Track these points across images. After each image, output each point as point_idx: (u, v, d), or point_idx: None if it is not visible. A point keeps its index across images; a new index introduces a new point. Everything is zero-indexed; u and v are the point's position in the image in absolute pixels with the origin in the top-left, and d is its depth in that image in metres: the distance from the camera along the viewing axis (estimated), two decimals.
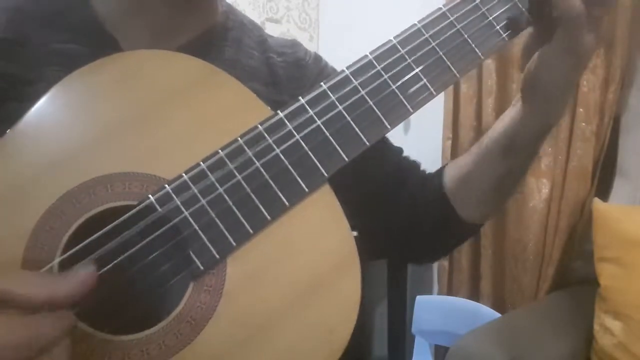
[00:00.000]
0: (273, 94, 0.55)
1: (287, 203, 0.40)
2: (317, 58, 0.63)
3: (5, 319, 0.30)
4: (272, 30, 1.89)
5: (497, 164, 0.54)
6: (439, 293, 1.78)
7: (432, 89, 0.44)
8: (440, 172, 0.61)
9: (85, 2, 0.50)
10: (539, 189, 1.51)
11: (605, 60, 1.41)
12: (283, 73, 0.58)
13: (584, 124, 1.43)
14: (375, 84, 0.43)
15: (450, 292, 1.73)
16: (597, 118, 1.44)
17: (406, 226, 0.60)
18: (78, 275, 0.33)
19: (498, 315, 1.43)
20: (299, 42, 0.64)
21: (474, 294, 1.68)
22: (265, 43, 0.60)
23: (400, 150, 0.64)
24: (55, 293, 0.32)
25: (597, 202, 1.36)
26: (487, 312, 1.48)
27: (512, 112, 0.52)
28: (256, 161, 0.40)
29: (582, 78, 1.41)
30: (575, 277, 1.47)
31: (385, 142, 0.63)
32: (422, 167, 0.64)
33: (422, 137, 1.73)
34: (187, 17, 0.53)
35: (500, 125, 0.53)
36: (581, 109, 1.43)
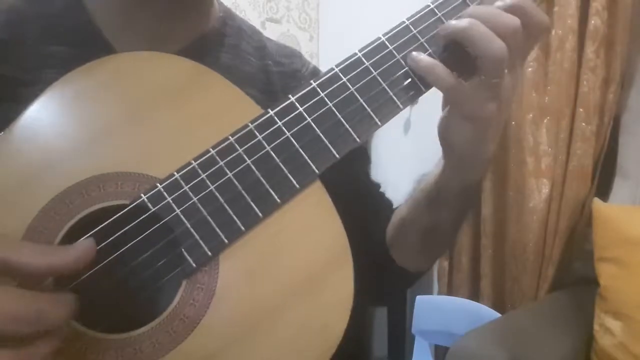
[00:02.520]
0: (268, 101, 0.55)
1: (278, 200, 0.40)
2: (315, 71, 0.63)
3: (4, 288, 0.30)
4: (272, 30, 1.90)
5: (424, 216, 0.53)
6: (439, 293, 1.77)
7: (421, 85, 0.44)
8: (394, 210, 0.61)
9: (81, 6, 0.51)
10: (539, 189, 1.51)
11: (605, 60, 1.40)
12: (279, 82, 0.58)
13: (584, 124, 1.42)
14: (364, 80, 0.43)
15: (450, 292, 1.72)
16: (597, 118, 1.43)
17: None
18: (78, 246, 0.34)
19: (498, 315, 1.43)
20: (300, 52, 0.65)
21: (474, 294, 1.67)
22: (264, 49, 0.60)
23: (377, 184, 0.65)
24: (54, 262, 0.32)
25: (597, 202, 1.35)
26: (487, 312, 1.48)
27: (439, 165, 0.51)
28: (247, 159, 0.40)
29: (582, 78, 1.41)
30: (575, 277, 1.47)
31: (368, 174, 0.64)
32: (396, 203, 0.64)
33: (422, 137, 1.72)
34: (182, 23, 0.53)
35: (430, 177, 0.53)
36: (581, 109, 1.42)
